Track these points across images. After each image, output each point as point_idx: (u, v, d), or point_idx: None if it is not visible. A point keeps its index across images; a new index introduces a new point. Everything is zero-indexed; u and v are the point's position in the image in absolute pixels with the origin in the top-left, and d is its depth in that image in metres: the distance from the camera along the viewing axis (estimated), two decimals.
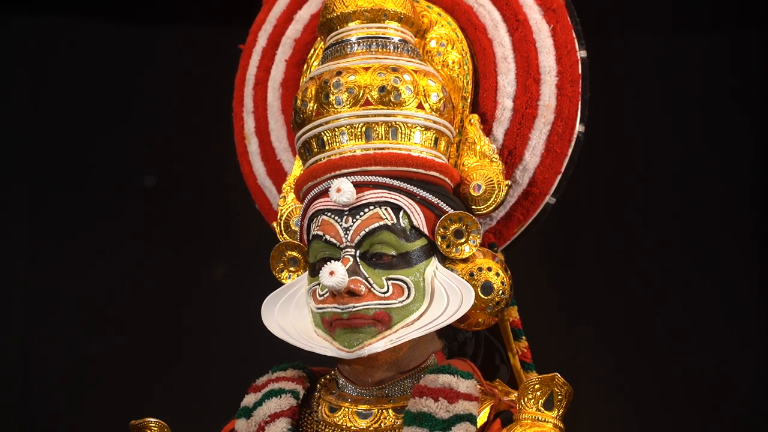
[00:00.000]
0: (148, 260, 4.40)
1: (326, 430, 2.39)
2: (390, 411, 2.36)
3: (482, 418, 2.31)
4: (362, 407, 2.38)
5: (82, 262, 4.40)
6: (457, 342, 2.47)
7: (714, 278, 4.10)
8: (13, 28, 4.42)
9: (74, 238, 4.40)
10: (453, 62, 2.56)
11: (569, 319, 4.14)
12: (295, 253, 2.49)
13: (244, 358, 3.69)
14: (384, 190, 2.35)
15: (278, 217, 2.61)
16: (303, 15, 2.76)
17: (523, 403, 2.25)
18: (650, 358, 4.09)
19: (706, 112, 4.13)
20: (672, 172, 4.15)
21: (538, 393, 2.25)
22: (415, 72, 2.42)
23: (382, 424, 2.36)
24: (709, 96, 4.12)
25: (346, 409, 2.39)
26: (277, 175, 2.75)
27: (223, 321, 4.34)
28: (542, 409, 2.24)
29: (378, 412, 2.37)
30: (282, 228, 2.60)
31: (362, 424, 2.37)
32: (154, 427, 2.42)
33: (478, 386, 2.34)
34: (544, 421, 2.24)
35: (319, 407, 2.43)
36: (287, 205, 2.61)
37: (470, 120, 2.51)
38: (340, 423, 2.39)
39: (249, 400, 2.44)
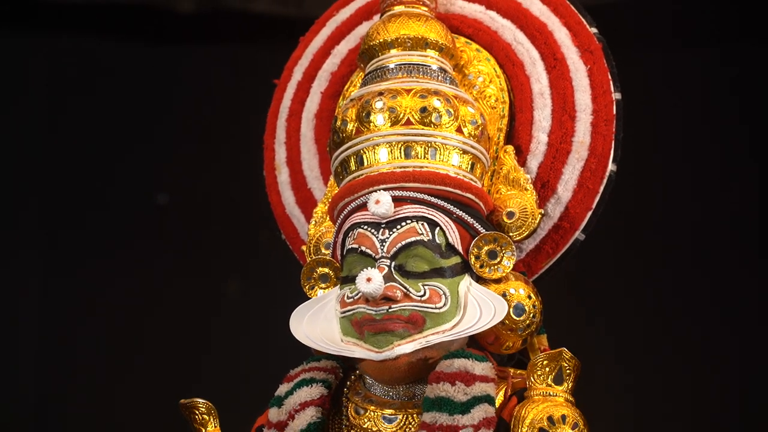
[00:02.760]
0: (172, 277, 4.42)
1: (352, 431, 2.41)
2: (415, 416, 2.36)
3: (499, 399, 2.33)
4: (388, 411, 2.39)
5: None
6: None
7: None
8: (29, 48, 4.49)
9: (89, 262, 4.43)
10: (490, 95, 2.60)
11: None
12: (326, 270, 2.51)
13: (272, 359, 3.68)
14: (421, 206, 2.38)
15: (308, 240, 2.63)
16: (341, 49, 2.81)
17: (532, 380, 2.29)
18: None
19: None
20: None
21: (547, 369, 2.29)
22: (455, 98, 2.46)
23: (407, 430, 2.36)
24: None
25: (372, 413, 2.40)
26: (307, 203, 2.78)
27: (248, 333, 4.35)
28: (552, 384, 2.26)
29: (403, 417, 2.37)
30: (311, 251, 2.61)
31: (388, 429, 2.37)
32: (202, 407, 2.45)
33: (493, 370, 2.34)
34: (555, 395, 2.28)
35: (347, 408, 2.44)
36: (318, 230, 2.62)
37: (505, 149, 2.55)
38: (366, 426, 2.39)
39: (282, 389, 2.45)
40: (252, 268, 4.39)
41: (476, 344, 2.41)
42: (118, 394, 4.40)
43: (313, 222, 2.66)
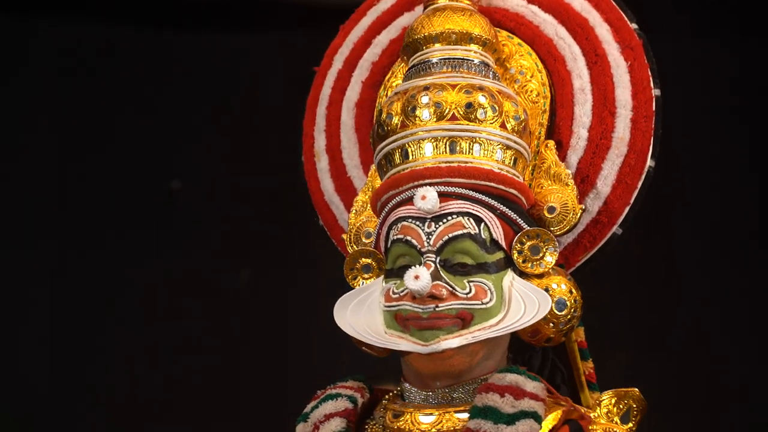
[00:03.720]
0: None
1: None
2: (453, 414, 2.40)
3: (551, 421, 2.35)
4: (426, 411, 2.42)
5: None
6: (523, 357, 2.52)
7: None
8: (38, 35, 4.51)
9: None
10: (532, 90, 2.63)
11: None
12: (369, 260, 2.54)
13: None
14: (467, 202, 2.41)
15: (349, 229, 2.67)
16: (382, 39, 2.84)
17: (597, 413, 2.33)
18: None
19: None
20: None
21: (615, 408, 2.33)
22: (499, 93, 2.49)
23: (444, 426, 2.40)
24: None
25: (409, 414, 2.43)
26: (346, 191, 2.81)
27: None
28: (618, 421, 2.30)
29: (440, 415, 2.41)
30: (352, 240, 2.65)
31: (424, 426, 2.41)
32: None
33: (546, 391, 2.38)
34: None
35: (383, 416, 2.48)
36: (359, 219, 2.66)
37: (546, 144, 2.58)
38: (403, 427, 2.43)
39: (309, 407, 2.50)
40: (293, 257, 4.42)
41: (517, 338, 2.45)
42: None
43: (354, 211, 2.69)
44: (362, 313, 2.47)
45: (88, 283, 4.44)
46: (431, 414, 2.41)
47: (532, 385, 2.36)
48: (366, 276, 2.55)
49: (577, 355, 2.59)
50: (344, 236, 2.69)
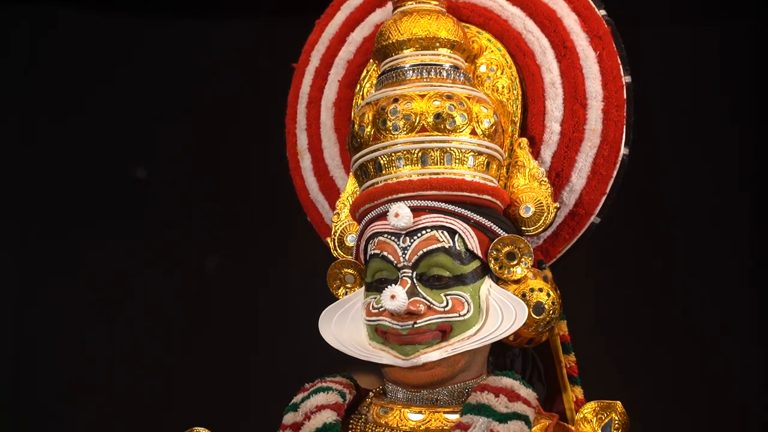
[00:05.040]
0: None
1: (377, 429, 2.49)
2: (442, 414, 2.46)
3: (538, 430, 2.42)
4: (414, 409, 2.48)
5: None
6: (504, 360, 2.58)
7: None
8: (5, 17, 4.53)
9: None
10: (503, 87, 2.65)
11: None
12: (351, 271, 2.59)
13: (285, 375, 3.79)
14: (440, 215, 2.45)
15: (332, 233, 2.71)
16: (355, 38, 2.85)
17: (581, 423, 2.40)
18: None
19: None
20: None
21: (597, 417, 2.39)
22: (468, 98, 2.51)
23: (433, 425, 2.45)
24: None
25: (398, 411, 2.49)
26: (330, 191, 2.85)
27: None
28: (598, 431, 2.37)
29: (430, 413, 2.46)
30: (336, 244, 2.70)
31: (412, 423, 2.46)
32: None
33: (537, 401, 2.44)
34: None
35: (370, 411, 2.53)
36: (341, 221, 2.70)
37: (519, 143, 2.61)
38: (391, 423, 2.48)
39: (298, 397, 2.55)
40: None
41: (499, 341, 2.48)
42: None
43: (336, 213, 2.73)
44: (346, 325, 2.53)
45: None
46: (420, 412, 2.47)
47: (525, 392, 2.42)
48: (349, 285, 2.60)
49: (560, 349, 2.63)
50: (328, 239, 2.73)
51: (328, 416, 2.47)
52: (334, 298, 2.61)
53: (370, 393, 2.59)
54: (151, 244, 4.50)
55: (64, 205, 4.51)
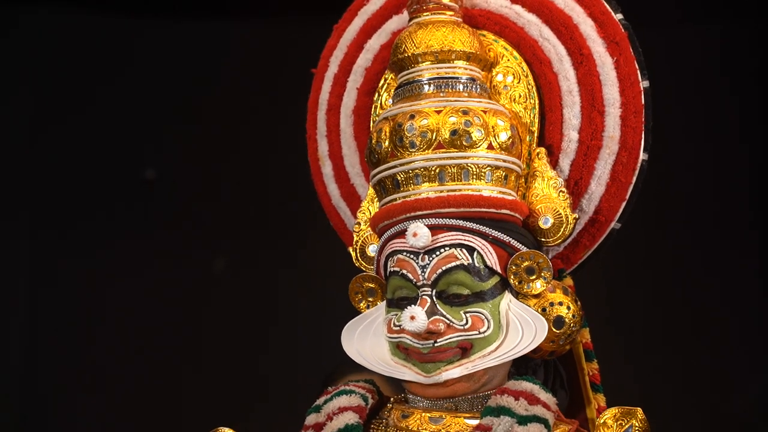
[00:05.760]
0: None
1: None
2: (462, 419, 2.49)
3: None
4: (434, 413, 2.51)
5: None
6: (527, 369, 2.61)
7: None
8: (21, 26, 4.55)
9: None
10: (520, 96, 2.65)
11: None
12: (372, 285, 2.62)
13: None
14: (458, 233, 2.47)
15: (354, 242, 2.74)
16: (373, 45, 2.85)
17: (601, 430, 2.42)
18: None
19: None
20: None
21: (618, 423, 2.41)
22: (485, 112, 2.52)
23: (452, 429, 2.48)
24: None
25: (418, 415, 2.52)
26: (351, 198, 2.87)
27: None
28: None
29: (450, 418, 2.49)
30: (358, 254, 2.72)
31: (432, 427, 2.49)
32: None
33: (556, 406, 2.47)
34: None
35: (390, 415, 2.57)
36: (362, 231, 2.72)
37: (537, 153, 2.61)
38: (411, 427, 2.51)
39: (320, 400, 2.59)
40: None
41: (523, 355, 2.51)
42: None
43: (357, 223, 2.74)
44: (368, 340, 2.57)
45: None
46: (440, 417, 2.50)
47: (545, 396, 2.45)
48: (371, 299, 2.63)
49: (582, 357, 2.65)
50: (350, 249, 2.76)
51: (350, 418, 2.50)
52: (343, 297, 2.65)
53: (392, 399, 2.62)
54: (160, 244, 4.55)
55: (68, 205, 4.56)
